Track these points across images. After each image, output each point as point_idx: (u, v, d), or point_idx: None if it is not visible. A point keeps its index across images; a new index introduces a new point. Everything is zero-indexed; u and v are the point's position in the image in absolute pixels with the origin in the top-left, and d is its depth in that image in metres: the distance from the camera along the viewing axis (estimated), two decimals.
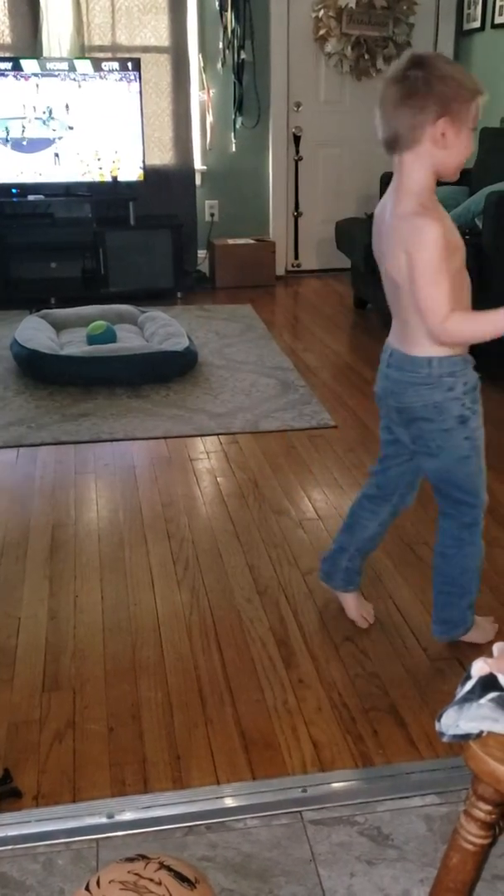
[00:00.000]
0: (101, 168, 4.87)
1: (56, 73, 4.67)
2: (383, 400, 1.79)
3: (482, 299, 4.07)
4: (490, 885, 1.32)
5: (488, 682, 1.03)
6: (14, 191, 4.81)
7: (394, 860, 1.37)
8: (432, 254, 1.53)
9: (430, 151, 1.54)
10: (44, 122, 4.73)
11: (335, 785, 1.52)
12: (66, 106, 4.73)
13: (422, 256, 1.54)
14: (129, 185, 4.94)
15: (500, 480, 2.71)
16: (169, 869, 1.15)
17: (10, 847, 1.39)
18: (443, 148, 1.53)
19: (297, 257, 5.74)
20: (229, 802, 1.48)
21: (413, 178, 1.57)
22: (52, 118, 4.74)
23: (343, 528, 1.99)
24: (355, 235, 4.55)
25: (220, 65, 5.22)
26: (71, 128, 4.77)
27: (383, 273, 1.69)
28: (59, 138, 4.78)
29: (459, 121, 1.52)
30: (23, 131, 4.72)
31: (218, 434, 3.11)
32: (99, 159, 4.85)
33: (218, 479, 2.76)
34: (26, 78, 4.65)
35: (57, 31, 4.90)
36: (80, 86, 4.71)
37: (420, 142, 1.53)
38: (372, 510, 1.93)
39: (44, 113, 4.71)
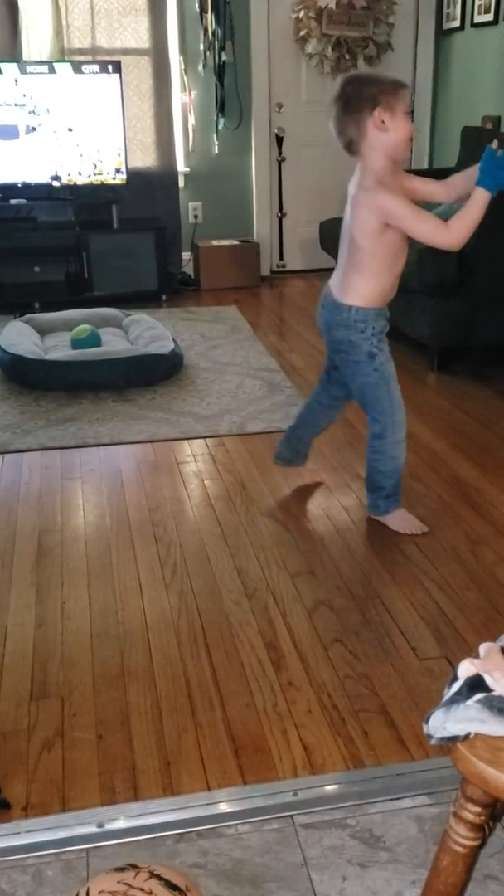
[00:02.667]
0: (82, 171, 4.85)
1: (36, 76, 4.64)
2: (324, 333, 2.34)
3: (464, 296, 4.05)
4: (482, 885, 1.32)
5: (475, 683, 1.03)
6: None
7: (386, 862, 1.37)
8: (400, 206, 2.06)
9: (378, 137, 2.05)
10: (27, 126, 4.71)
11: (326, 788, 1.51)
12: (47, 110, 4.71)
13: (397, 213, 2.06)
14: (111, 188, 4.92)
15: (487, 479, 2.72)
16: (159, 878, 1.14)
17: None
18: (385, 131, 2.04)
19: (281, 258, 5.74)
20: (220, 808, 1.47)
21: (371, 162, 2.09)
22: (36, 125, 4.71)
23: (298, 423, 2.63)
24: (339, 235, 4.55)
25: (201, 66, 5.21)
26: (50, 128, 4.75)
27: (345, 234, 2.21)
28: (35, 127, 4.75)
29: (391, 107, 2.02)
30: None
31: (204, 437, 3.10)
32: (81, 161, 4.83)
33: (205, 481, 2.75)
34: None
35: (36, 34, 4.87)
36: (59, 88, 4.69)
37: (367, 133, 2.05)
38: (328, 414, 2.59)
39: (30, 113, 4.69)
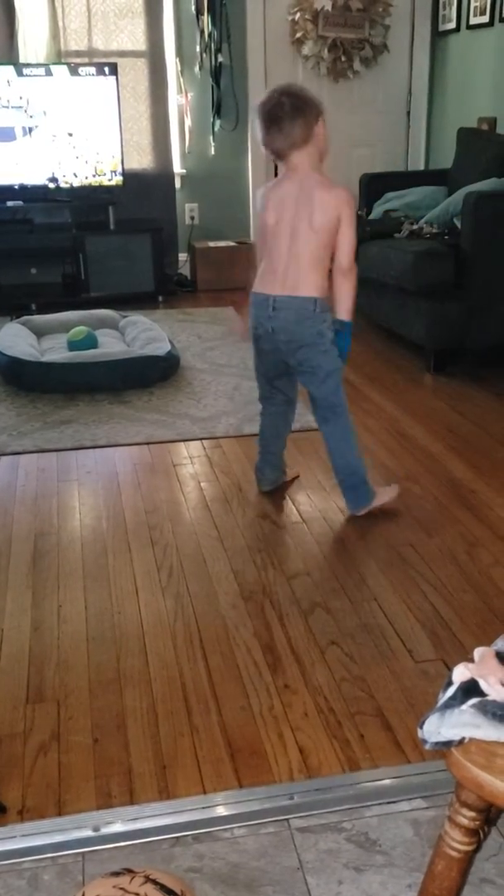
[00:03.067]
0: (79, 173, 4.85)
1: (33, 78, 4.64)
2: (269, 338, 2.38)
3: (461, 298, 4.05)
4: (478, 889, 1.32)
5: (469, 688, 1.03)
6: None
7: (381, 866, 1.37)
8: (354, 214, 2.30)
9: (316, 144, 2.27)
10: (24, 129, 4.71)
11: (322, 791, 1.51)
12: (44, 112, 4.71)
13: (350, 217, 2.28)
14: (108, 189, 4.92)
15: (484, 480, 2.72)
16: (155, 882, 1.14)
17: None
18: (323, 139, 2.28)
19: None
20: (216, 812, 1.47)
21: (309, 164, 2.29)
22: (31, 127, 4.71)
23: (266, 444, 2.64)
24: None
25: (197, 68, 5.21)
26: (47, 131, 4.75)
27: (295, 233, 2.29)
28: (31, 129, 4.75)
29: (323, 120, 2.27)
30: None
31: (201, 438, 3.10)
32: (77, 163, 4.83)
33: (202, 484, 2.75)
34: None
35: (33, 36, 4.87)
36: (56, 90, 4.68)
37: (311, 138, 2.25)
38: (286, 420, 2.63)
39: (27, 115, 4.69)
